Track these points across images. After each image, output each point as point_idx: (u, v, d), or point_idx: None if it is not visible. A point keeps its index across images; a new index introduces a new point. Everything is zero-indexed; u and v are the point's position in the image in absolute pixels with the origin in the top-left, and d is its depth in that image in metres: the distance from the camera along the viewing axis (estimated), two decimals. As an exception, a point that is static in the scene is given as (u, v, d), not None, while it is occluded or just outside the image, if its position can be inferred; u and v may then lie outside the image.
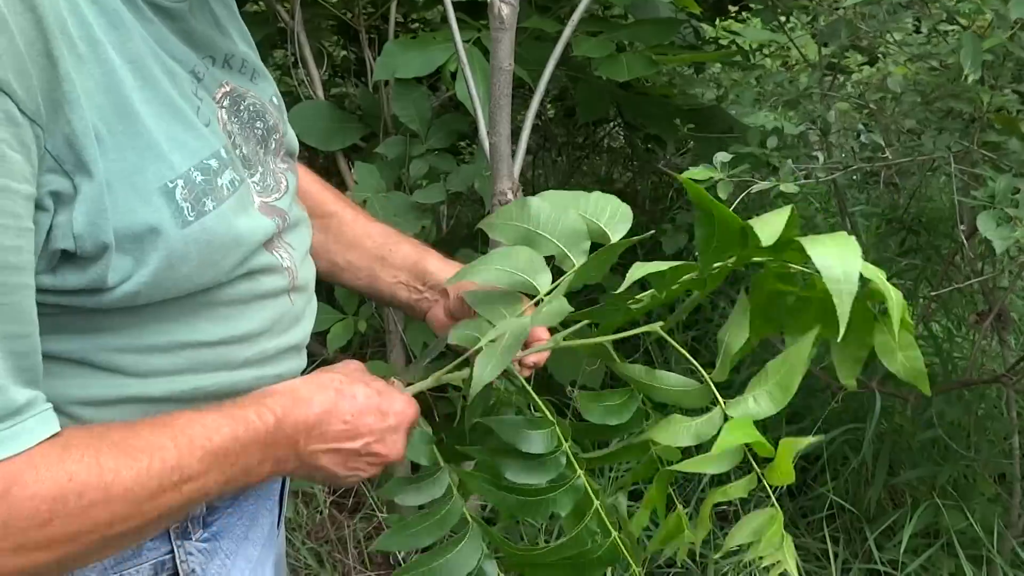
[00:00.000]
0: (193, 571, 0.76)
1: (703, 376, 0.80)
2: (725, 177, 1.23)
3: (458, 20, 1.50)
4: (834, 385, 2.06)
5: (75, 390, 0.65)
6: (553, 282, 0.87)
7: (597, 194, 0.90)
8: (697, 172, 1.25)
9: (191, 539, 0.76)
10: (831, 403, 2.08)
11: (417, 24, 2.54)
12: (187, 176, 0.64)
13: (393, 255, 0.99)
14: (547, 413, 0.88)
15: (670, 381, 0.84)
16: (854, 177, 3.07)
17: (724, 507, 2.10)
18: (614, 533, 0.86)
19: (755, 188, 1.27)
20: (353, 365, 0.81)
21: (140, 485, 0.60)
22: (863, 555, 1.95)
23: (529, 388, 0.91)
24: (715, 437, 0.78)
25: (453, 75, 1.73)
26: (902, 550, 1.80)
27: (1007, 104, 1.48)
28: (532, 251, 0.87)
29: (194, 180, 0.65)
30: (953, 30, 1.96)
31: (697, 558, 1.97)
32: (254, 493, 0.85)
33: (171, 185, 0.63)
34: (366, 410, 0.76)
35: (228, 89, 0.75)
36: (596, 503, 0.86)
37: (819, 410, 2.19)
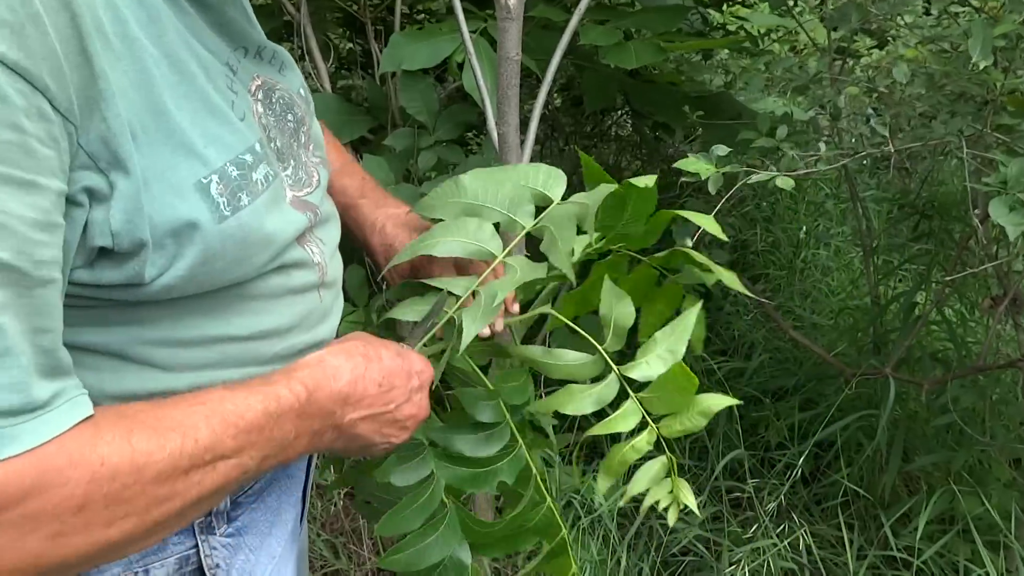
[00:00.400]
0: (217, 566, 0.77)
1: (596, 346, 0.86)
2: (717, 171, 1.22)
3: (464, 10, 1.49)
4: (847, 372, 2.05)
5: (109, 384, 0.66)
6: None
7: (525, 164, 0.92)
8: (690, 163, 1.23)
9: (215, 534, 0.76)
10: (844, 390, 2.07)
11: (422, 15, 2.53)
12: (222, 171, 0.64)
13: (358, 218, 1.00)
14: (488, 385, 0.90)
15: (567, 358, 0.88)
16: (864, 162, 3.05)
17: (738, 494, 2.09)
18: (548, 500, 0.89)
19: (753, 179, 1.25)
20: (364, 334, 0.80)
21: (173, 466, 0.58)
22: (879, 542, 1.94)
23: (471, 362, 0.93)
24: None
25: (460, 66, 1.72)
26: (918, 536, 1.79)
27: (1020, 86, 1.47)
28: (479, 219, 0.89)
29: (229, 175, 0.64)
30: (964, 11, 1.94)
31: (711, 545, 1.98)
32: (277, 489, 0.85)
33: (205, 181, 0.63)
34: (393, 372, 0.76)
35: (260, 82, 0.75)
36: (534, 471, 0.89)
37: (833, 396, 2.18)
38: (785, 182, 1.19)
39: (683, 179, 1.41)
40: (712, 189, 1.20)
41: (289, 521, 0.88)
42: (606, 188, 0.88)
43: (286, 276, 0.74)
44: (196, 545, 0.75)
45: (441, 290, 0.90)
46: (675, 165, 1.26)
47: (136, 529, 0.57)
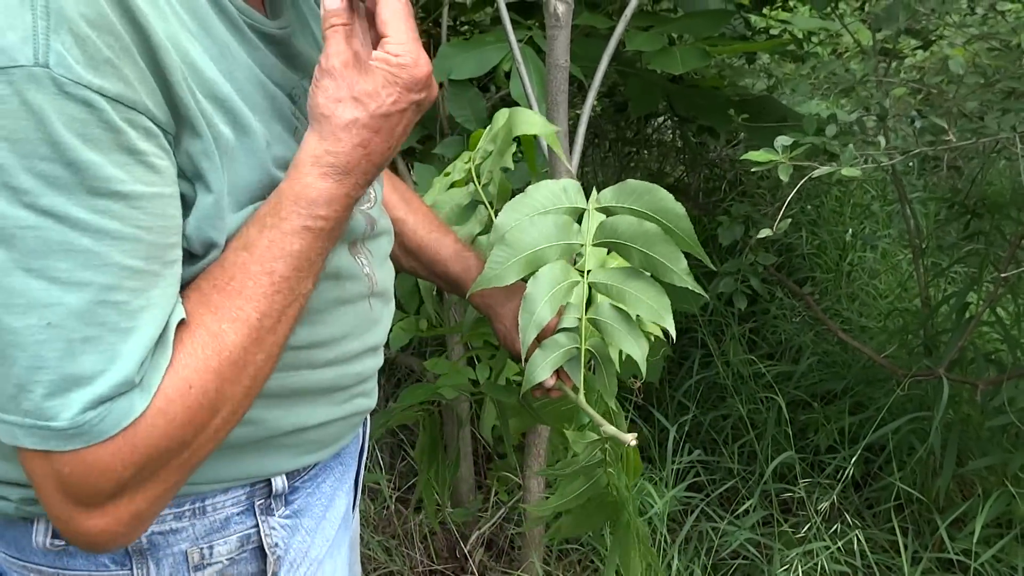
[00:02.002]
0: (276, 545, 0.80)
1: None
2: (787, 160, 1.22)
3: (510, 20, 1.52)
4: (899, 373, 2.03)
5: None
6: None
7: (542, 184, 0.96)
8: (758, 155, 1.24)
9: (274, 515, 0.80)
10: (896, 391, 2.05)
11: (466, 27, 2.57)
12: None
13: (446, 274, 1.04)
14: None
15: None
16: (910, 164, 3.02)
17: (788, 496, 2.08)
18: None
19: (816, 173, 1.26)
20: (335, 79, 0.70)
21: (243, 353, 0.64)
22: (933, 545, 1.92)
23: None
24: None
25: (507, 74, 1.75)
26: (975, 540, 1.77)
27: (1074, 82, 1.45)
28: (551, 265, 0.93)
29: None
30: (1011, 9, 1.92)
31: (762, 548, 1.97)
32: (331, 476, 0.89)
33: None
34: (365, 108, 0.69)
35: None
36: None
37: (882, 400, 2.16)
38: (850, 171, 1.19)
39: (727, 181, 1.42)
40: (784, 177, 1.20)
41: (342, 507, 0.92)
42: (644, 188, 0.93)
43: (340, 288, 0.78)
44: (257, 525, 0.79)
45: None
46: (742, 157, 1.27)
47: (249, 394, 0.66)
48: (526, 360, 0.94)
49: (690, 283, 0.90)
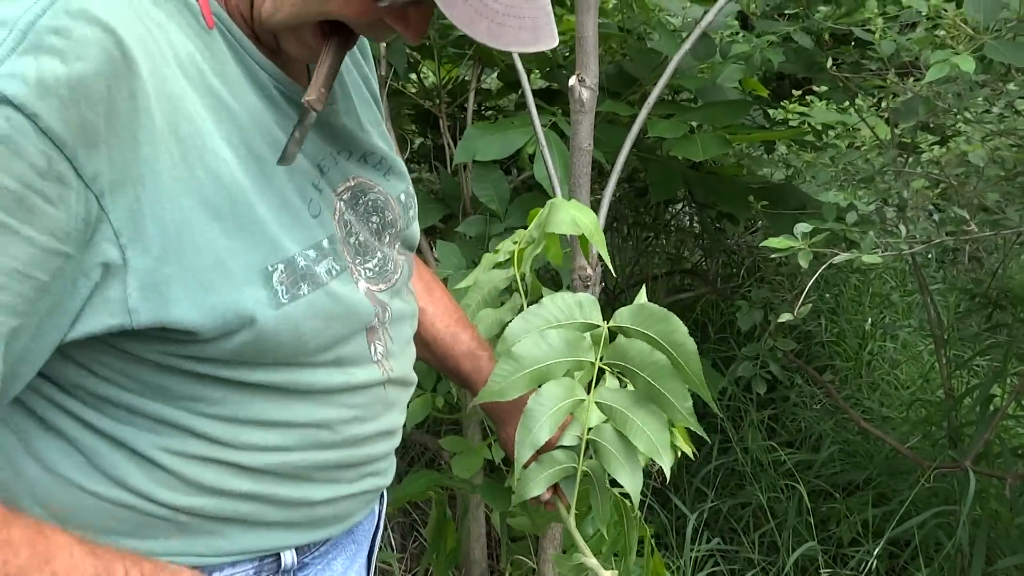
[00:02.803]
0: None
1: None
2: (807, 247, 1.23)
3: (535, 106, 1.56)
4: (924, 464, 1.99)
5: (172, 444, 0.69)
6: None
7: (557, 296, 0.96)
8: (777, 242, 1.26)
9: None
10: (921, 482, 2.00)
11: (491, 112, 2.64)
12: (289, 261, 0.68)
13: (457, 370, 1.04)
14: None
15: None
16: (929, 255, 3.03)
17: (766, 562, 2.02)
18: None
19: (837, 259, 1.27)
20: None
21: None
22: (963, 648, 1.84)
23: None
24: None
25: (531, 157, 1.79)
26: (1006, 643, 1.70)
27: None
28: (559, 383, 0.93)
29: (296, 264, 0.69)
30: (1028, 106, 1.95)
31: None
32: (343, 553, 0.87)
33: (271, 268, 0.67)
34: None
35: (353, 183, 0.80)
36: None
37: (906, 492, 2.11)
38: (871, 258, 1.20)
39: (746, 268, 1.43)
40: (804, 264, 1.21)
41: None
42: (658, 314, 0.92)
43: (344, 374, 0.76)
44: None
45: None
46: (762, 244, 1.28)
47: None
48: (519, 473, 0.92)
49: (693, 424, 0.88)
